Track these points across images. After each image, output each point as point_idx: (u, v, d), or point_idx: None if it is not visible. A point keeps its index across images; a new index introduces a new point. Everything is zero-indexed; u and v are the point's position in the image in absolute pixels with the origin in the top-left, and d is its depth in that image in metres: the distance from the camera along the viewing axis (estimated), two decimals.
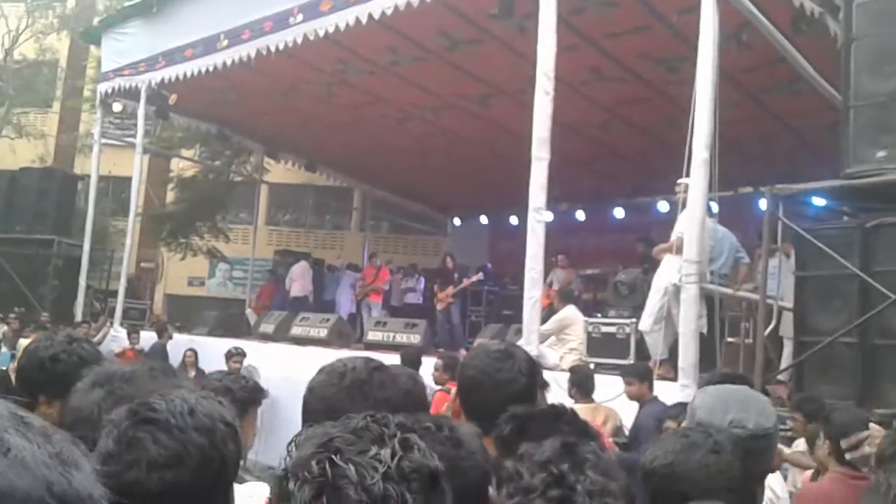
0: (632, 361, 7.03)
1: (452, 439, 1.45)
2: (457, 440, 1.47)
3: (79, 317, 12.94)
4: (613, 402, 5.95)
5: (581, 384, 5.90)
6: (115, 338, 11.64)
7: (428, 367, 6.84)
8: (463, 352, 10.88)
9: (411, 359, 7.01)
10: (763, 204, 6.01)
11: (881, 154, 5.13)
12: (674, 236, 6.80)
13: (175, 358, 10.21)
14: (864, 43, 5.30)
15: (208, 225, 17.99)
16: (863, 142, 5.22)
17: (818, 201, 6.55)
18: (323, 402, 1.78)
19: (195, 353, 10.18)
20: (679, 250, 6.41)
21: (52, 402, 2.09)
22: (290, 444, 1.09)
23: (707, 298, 6.16)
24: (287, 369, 8.75)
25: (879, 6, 5.25)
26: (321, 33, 9.02)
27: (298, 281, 14.63)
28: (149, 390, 1.44)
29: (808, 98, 8.27)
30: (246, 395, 2.73)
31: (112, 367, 1.78)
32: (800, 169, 10.47)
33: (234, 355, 8.86)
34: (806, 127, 10.66)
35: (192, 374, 9.64)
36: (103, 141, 13.72)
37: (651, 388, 5.75)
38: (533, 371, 2.13)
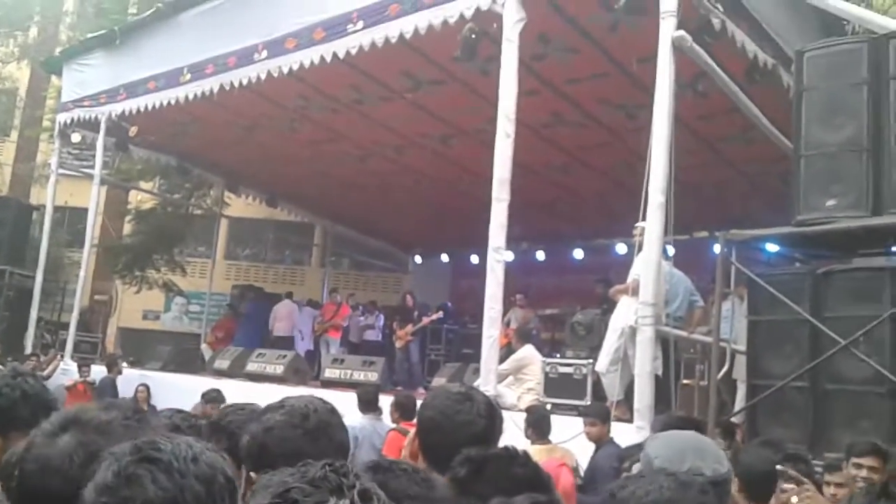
0: (588, 402, 7.06)
1: (427, 481, 1.45)
2: (430, 482, 1.47)
3: (29, 349, 12.64)
4: (569, 442, 5.96)
5: (537, 425, 5.90)
6: (66, 371, 11.37)
7: (384, 406, 6.81)
8: (421, 390, 10.85)
9: (368, 397, 6.96)
10: (717, 248, 6.12)
11: (831, 203, 5.27)
12: (630, 278, 6.89)
13: (126, 392, 10.00)
14: (814, 94, 5.48)
15: (165, 258, 17.74)
16: (813, 190, 5.37)
17: (771, 247, 6.70)
18: (284, 444, 1.74)
19: (147, 388, 9.98)
20: (635, 292, 6.49)
21: None
22: (244, 493, 1.07)
23: (662, 341, 6.22)
24: None
25: (829, 59, 5.43)
26: (285, 70, 9.06)
27: (283, 321, 14.52)
28: (121, 441, 1.41)
29: (762, 146, 8.48)
30: (194, 434, 2.66)
31: (84, 412, 1.66)
32: (753, 214, 10.71)
33: (212, 400, 7.07)
34: (759, 174, 10.92)
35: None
36: (60, 171, 13.55)
37: (609, 429, 5.79)
38: (492, 414, 2.14)
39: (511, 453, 1.91)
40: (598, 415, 5.93)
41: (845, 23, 6.32)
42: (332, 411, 1.85)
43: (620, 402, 6.74)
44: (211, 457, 1.28)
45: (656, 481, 1.72)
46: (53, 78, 16.47)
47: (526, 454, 1.92)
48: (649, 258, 6.09)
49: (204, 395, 7.35)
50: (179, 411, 2.87)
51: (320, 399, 1.89)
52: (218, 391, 7.41)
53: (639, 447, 2.61)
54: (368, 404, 6.87)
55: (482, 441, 2.02)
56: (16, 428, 2.09)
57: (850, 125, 5.21)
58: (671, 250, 6.97)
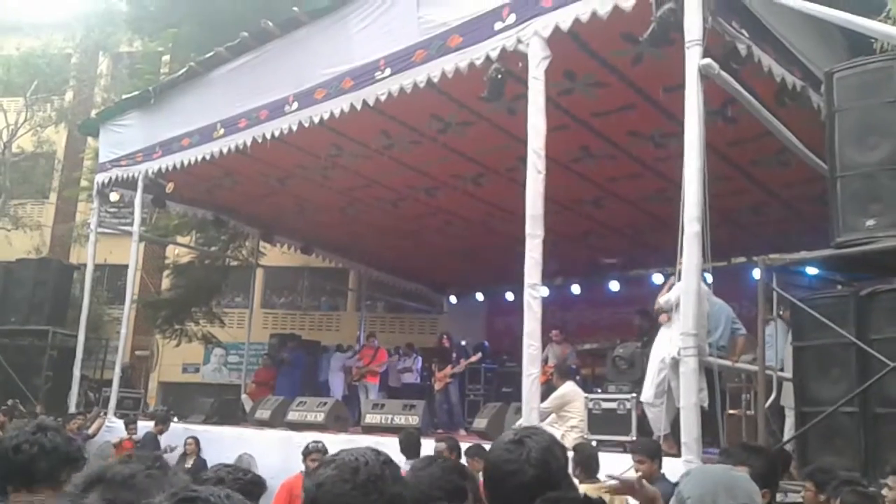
0: (634, 437, 6.95)
1: None
2: None
3: (72, 408, 12.77)
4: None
5: (585, 463, 5.81)
6: (111, 428, 11.47)
7: (427, 449, 6.77)
8: (462, 432, 10.76)
9: (410, 441, 6.93)
10: (756, 274, 6.04)
11: (870, 223, 5.20)
12: (673, 296, 6.76)
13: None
14: (846, 115, 5.44)
15: (204, 310, 17.95)
16: (852, 211, 5.30)
17: (811, 270, 6.60)
18: (335, 499, 1.73)
19: (196, 440, 10.01)
20: (668, 314, 6.43)
21: (20, 491, 2.12)
22: None
23: (706, 371, 6.12)
24: (284, 456, 8.61)
25: (859, 80, 5.40)
26: (316, 120, 9.19)
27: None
28: (148, 493, 1.43)
29: (796, 169, 8.41)
30: (240, 487, 2.54)
31: (108, 468, 1.69)
32: (792, 238, 10.61)
33: (313, 452, 6.50)
34: (795, 197, 10.81)
35: (191, 462, 9.46)
36: (99, 230, 13.80)
37: (660, 465, 5.67)
38: (546, 459, 2.09)
39: (579, 499, 1.90)
40: (647, 451, 5.78)
41: (873, 41, 6.26)
42: (386, 462, 1.82)
43: (667, 436, 6.63)
44: (240, 497, 1.34)
45: None
46: (90, 139, 16.94)
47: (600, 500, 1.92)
48: (689, 287, 6.02)
49: (304, 451, 6.67)
50: (226, 465, 2.85)
51: (374, 450, 1.86)
52: (319, 443, 6.70)
53: None
54: (410, 448, 6.84)
55: (534, 489, 2.00)
56: (37, 481, 2.15)
57: (886, 144, 5.16)
58: (709, 278, 6.90)
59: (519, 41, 7.14)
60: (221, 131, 10.57)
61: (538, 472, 2.04)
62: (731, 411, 7.55)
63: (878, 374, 4.91)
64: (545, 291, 7.49)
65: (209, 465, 2.95)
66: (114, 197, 13.51)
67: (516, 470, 2.05)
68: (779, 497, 4.60)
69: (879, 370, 4.91)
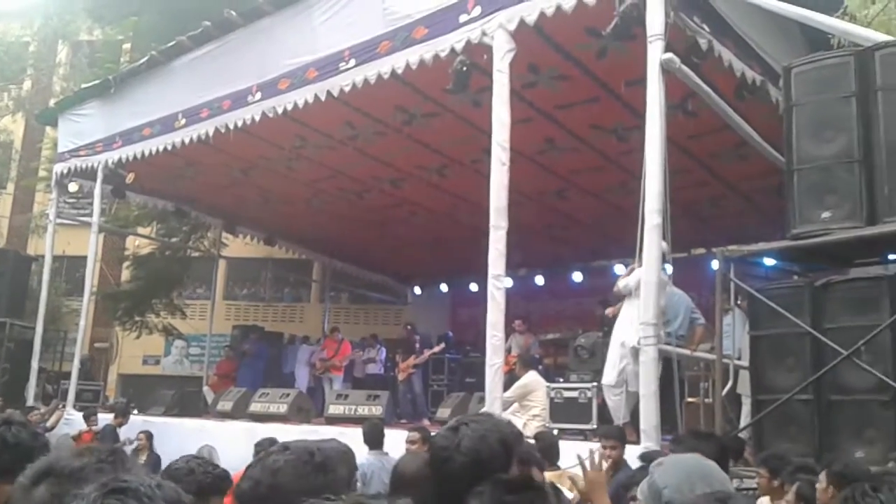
0: (594, 426, 7.06)
1: None
2: None
3: (30, 400, 12.58)
4: (577, 468, 5.93)
5: (546, 451, 5.87)
6: (69, 421, 11.31)
7: (391, 440, 6.79)
8: (426, 422, 10.81)
9: (374, 431, 6.95)
10: (715, 265, 6.16)
11: (826, 215, 5.30)
12: (632, 280, 6.88)
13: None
14: (804, 109, 5.53)
15: (164, 302, 17.74)
16: (808, 203, 5.40)
17: (768, 261, 6.73)
18: (294, 482, 1.80)
19: (148, 435, 9.83)
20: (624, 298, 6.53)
21: None
22: None
23: (665, 360, 6.23)
24: (247, 448, 8.54)
25: (817, 74, 5.50)
26: (280, 110, 9.14)
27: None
28: None
29: (754, 162, 8.56)
30: (209, 481, 2.56)
31: (57, 461, 1.68)
32: (750, 230, 10.80)
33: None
34: (753, 189, 10.99)
35: (144, 458, 9.31)
36: (58, 221, 13.58)
37: (624, 452, 5.76)
38: (476, 449, 2.05)
39: (528, 481, 1.93)
40: (619, 437, 5.87)
41: (830, 37, 6.40)
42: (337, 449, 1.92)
43: (627, 424, 6.74)
44: (171, 485, 1.34)
45: None
46: (48, 129, 16.62)
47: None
48: (648, 279, 6.12)
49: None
50: (196, 457, 2.82)
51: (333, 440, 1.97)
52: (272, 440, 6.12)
53: (642, 473, 2.61)
54: (374, 440, 6.86)
55: (463, 477, 1.98)
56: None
57: (841, 137, 5.26)
58: (669, 268, 7.01)
59: (484, 34, 7.17)
60: (183, 121, 10.45)
61: (466, 461, 2.02)
62: (690, 399, 7.68)
63: (832, 363, 5.03)
64: (509, 282, 7.55)
65: (170, 458, 2.90)
66: (73, 187, 13.30)
67: (447, 457, 2.05)
68: (735, 483, 4.72)
69: (833, 359, 5.02)
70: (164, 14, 14.59)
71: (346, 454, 1.98)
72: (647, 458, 4.09)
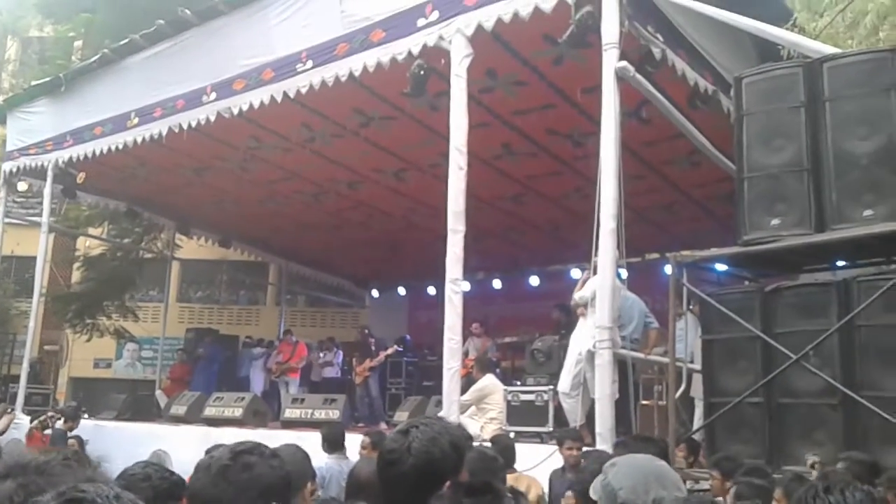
0: (550, 429, 7.11)
1: None
2: None
3: None
4: (533, 470, 5.98)
5: (503, 454, 5.91)
6: (18, 425, 11.04)
7: (350, 443, 6.76)
8: (384, 425, 10.79)
9: (334, 437, 6.90)
10: (669, 269, 6.24)
11: (775, 222, 5.41)
12: (587, 291, 6.94)
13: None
14: (754, 118, 5.65)
15: (116, 304, 17.41)
16: (758, 210, 5.51)
17: (720, 267, 6.85)
18: (197, 494, 1.90)
19: (79, 440, 9.57)
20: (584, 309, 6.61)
21: None
22: None
23: (620, 363, 6.30)
24: (200, 453, 8.43)
25: (767, 84, 5.61)
26: (235, 111, 9.05)
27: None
28: (63, 482, 1.42)
29: (706, 169, 8.71)
30: (166, 486, 2.47)
31: (24, 456, 1.72)
32: (702, 235, 10.97)
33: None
34: (705, 196, 11.18)
35: None
36: (6, 220, 13.27)
37: None
38: (427, 451, 2.03)
39: (489, 485, 1.94)
40: (578, 438, 5.95)
41: (780, 48, 6.54)
42: (238, 453, 1.98)
43: (582, 426, 6.81)
44: (131, 496, 1.33)
45: None
46: None
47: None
48: (603, 283, 6.18)
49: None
50: (152, 463, 2.77)
51: (233, 444, 2.04)
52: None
53: (592, 474, 2.61)
54: (334, 444, 6.81)
55: (413, 479, 1.99)
56: None
57: (790, 147, 5.38)
58: (624, 273, 7.09)
59: (441, 38, 7.19)
60: (136, 120, 10.29)
61: (417, 463, 2.01)
62: (644, 402, 7.78)
63: (782, 367, 5.14)
64: (466, 286, 7.57)
65: (122, 463, 2.83)
66: (22, 186, 13.04)
67: (395, 459, 2.04)
68: (689, 484, 4.79)
69: (783, 362, 5.14)
70: (118, 11, 14.30)
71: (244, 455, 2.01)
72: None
